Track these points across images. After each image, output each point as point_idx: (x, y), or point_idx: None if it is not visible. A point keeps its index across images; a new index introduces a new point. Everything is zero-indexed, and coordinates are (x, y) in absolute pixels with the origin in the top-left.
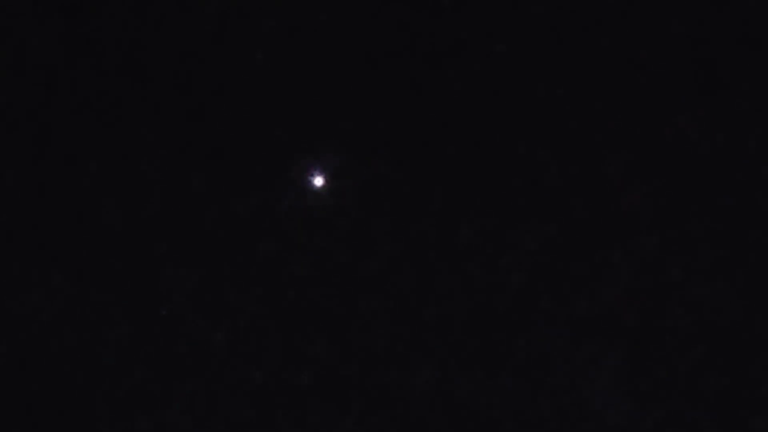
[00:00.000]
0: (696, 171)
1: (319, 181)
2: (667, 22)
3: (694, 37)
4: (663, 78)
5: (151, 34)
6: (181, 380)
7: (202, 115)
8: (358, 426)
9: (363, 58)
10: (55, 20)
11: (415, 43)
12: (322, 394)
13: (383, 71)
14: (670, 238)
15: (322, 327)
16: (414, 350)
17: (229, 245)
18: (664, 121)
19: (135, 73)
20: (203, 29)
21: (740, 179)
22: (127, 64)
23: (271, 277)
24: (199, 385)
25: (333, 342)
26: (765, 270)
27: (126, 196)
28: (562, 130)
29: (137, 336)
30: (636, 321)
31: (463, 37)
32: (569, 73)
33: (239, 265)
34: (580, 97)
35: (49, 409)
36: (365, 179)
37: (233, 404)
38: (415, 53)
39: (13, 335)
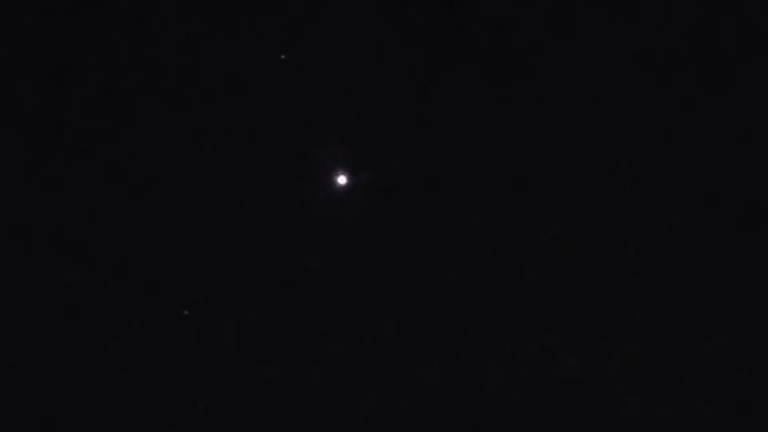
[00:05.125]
0: (707, 165)
1: (342, 179)
2: (673, 16)
3: (701, 30)
4: (670, 72)
5: (166, 28)
6: (192, 375)
7: (227, 113)
8: (369, 420)
9: (385, 56)
10: (66, 11)
11: (431, 41)
12: (334, 388)
13: (406, 71)
14: (681, 232)
15: (334, 321)
16: (425, 344)
17: (245, 241)
18: (675, 115)
19: (151, 70)
20: (221, 24)
21: (751, 173)
22: (150, 62)
23: (285, 272)
24: (210, 379)
25: (345, 336)
26: None
27: (139, 190)
28: (574, 126)
29: (147, 330)
30: (647, 315)
31: (476, 33)
32: (579, 68)
33: (254, 261)
34: (592, 92)
35: (58, 404)
36: (384, 177)
37: (244, 399)
38: (430, 52)
39: (23, 330)
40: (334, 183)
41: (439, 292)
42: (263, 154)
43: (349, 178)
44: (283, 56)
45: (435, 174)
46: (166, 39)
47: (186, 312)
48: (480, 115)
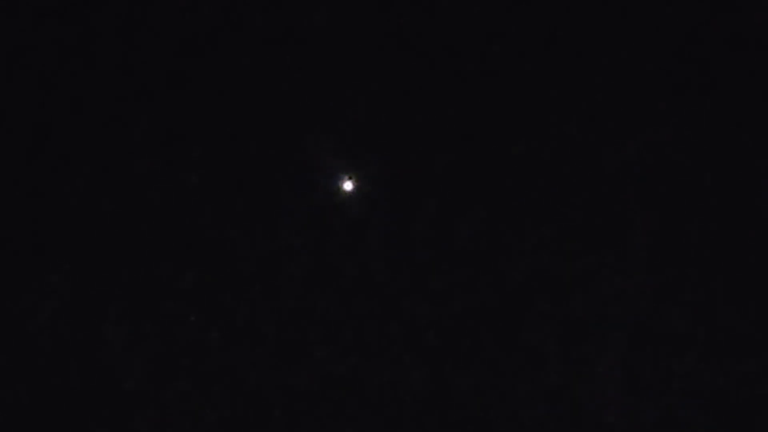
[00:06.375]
0: (691, 172)
1: (348, 185)
2: (661, 23)
3: (689, 37)
4: (657, 79)
5: (163, 29)
6: (176, 380)
7: (230, 116)
8: (352, 425)
9: (388, 63)
10: (51, 19)
11: (429, 49)
12: (317, 395)
13: (410, 77)
14: (666, 238)
15: (317, 327)
16: (409, 350)
17: (237, 246)
18: (659, 121)
19: (148, 71)
20: (219, 24)
21: (734, 179)
22: (147, 64)
23: (268, 278)
24: (194, 385)
25: (328, 342)
26: (759, 270)
27: (137, 193)
28: (557, 132)
29: (133, 335)
30: (631, 321)
31: (478, 41)
32: (565, 75)
33: (241, 266)
34: (578, 99)
35: (45, 408)
36: (369, 182)
37: (228, 404)
38: (424, 54)
39: (12, 335)
40: (328, 188)
41: (423, 297)
42: (256, 158)
43: (352, 184)
44: (290, 62)
45: (420, 179)
46: (162, 39)
47: (192, 318)
48: (471, 120)
